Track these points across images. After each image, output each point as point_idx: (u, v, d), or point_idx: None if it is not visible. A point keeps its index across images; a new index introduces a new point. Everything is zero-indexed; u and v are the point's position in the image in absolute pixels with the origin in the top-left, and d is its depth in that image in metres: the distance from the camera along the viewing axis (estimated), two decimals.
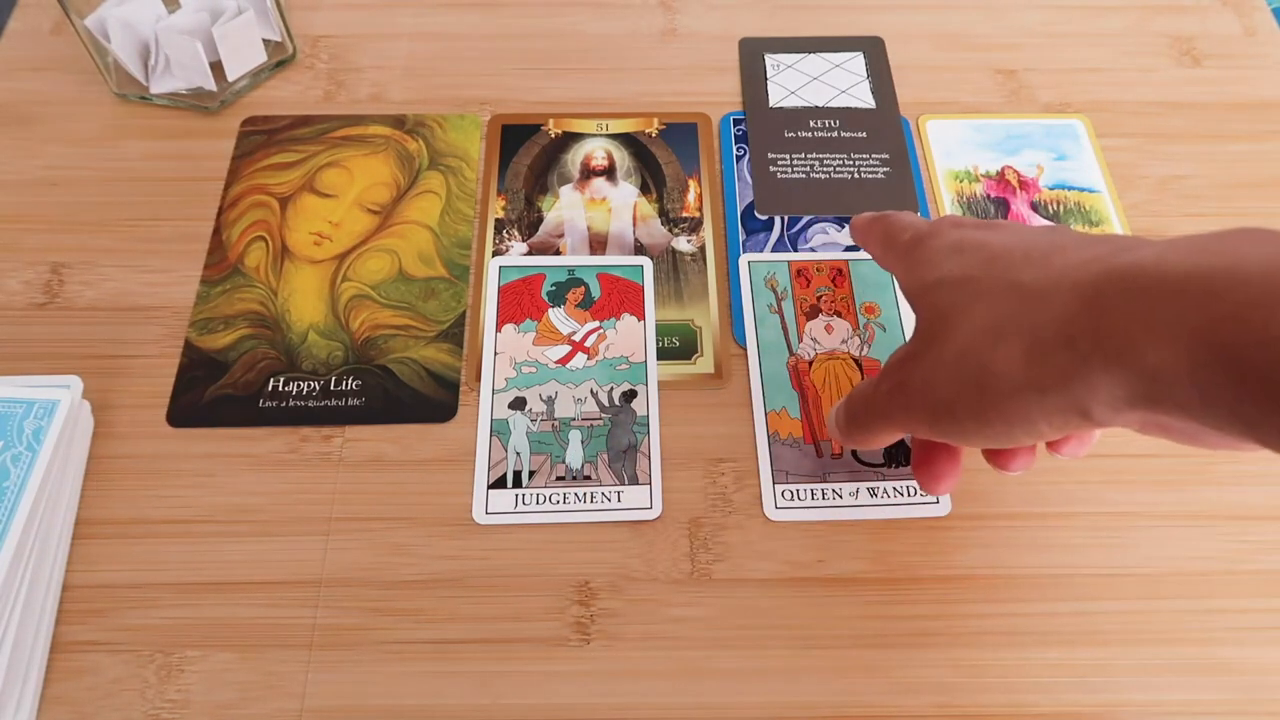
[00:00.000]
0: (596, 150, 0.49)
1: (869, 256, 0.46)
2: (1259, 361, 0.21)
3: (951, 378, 0.27)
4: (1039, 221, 0.47)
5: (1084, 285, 0.25)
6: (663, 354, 0.42)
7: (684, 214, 0.47)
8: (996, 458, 0.32)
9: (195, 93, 0.50)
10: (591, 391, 0.41)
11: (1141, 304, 0.23)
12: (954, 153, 0.50)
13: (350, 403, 0.41)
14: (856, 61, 0.53)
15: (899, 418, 0.30)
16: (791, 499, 0.39)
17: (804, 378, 0.42)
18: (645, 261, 0.45)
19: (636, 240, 0.46)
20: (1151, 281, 0.23)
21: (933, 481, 0.33)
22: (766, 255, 0.45)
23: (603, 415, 0.41)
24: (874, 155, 0.49)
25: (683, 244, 0.46)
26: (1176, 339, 0.22)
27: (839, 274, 0.45)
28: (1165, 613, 0.37)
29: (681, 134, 0.50)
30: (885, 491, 0.39)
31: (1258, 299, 0.21)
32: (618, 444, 0.40)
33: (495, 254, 0.45)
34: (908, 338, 0.43)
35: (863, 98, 0.52)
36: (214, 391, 0.41)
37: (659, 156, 0.49)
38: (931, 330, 0.29)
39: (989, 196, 0.48)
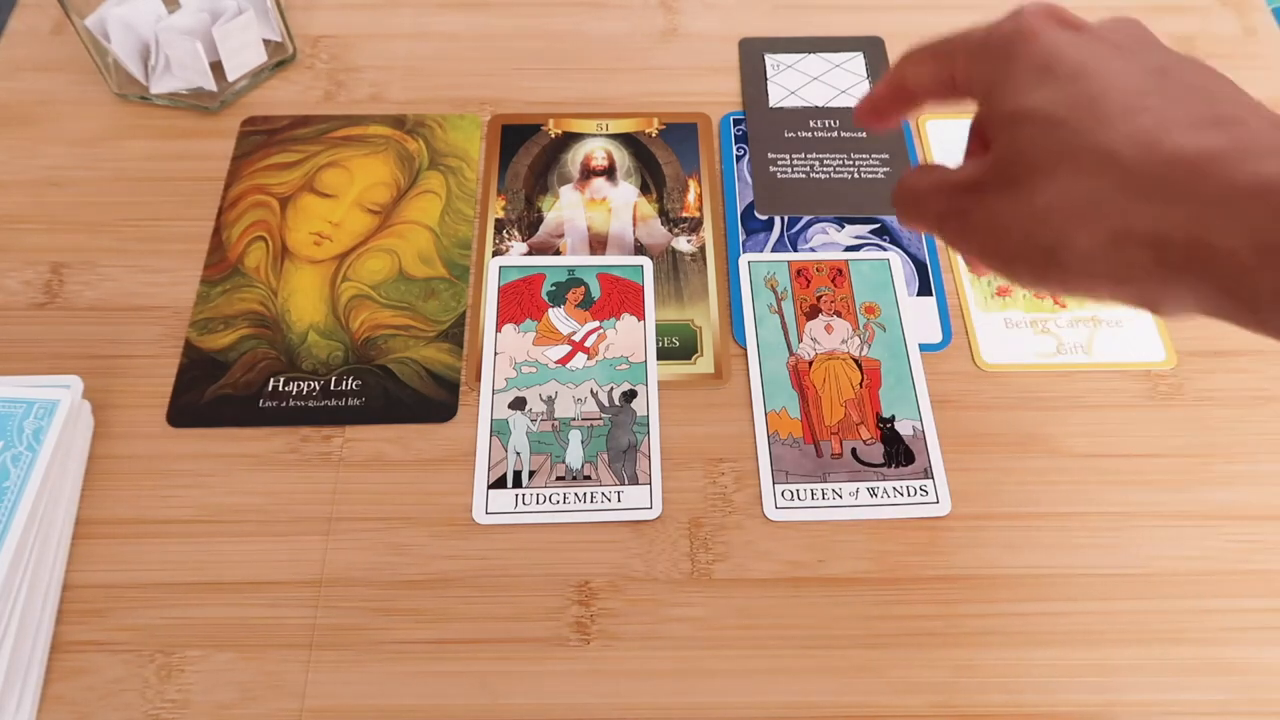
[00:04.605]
0: (596, 150, 0.49)
1: (868, 257, 0.46)
2: None
3: (1021, 238, 0.25)
4: None
5: (1196, 192, 0.21)
6: (663, 354, 0.42)
7: (684, 214, 0.47)
8: None
9: (195, 93, 0.50)
10: (591, 391, 0.41)
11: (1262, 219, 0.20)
12: (954, 153, 0.49)
13: (350, 403, 0.41)
14: (856, 61, 0.53)
15: (949, 239, 0.29)
16: (791, 499, 0.39)
17: (804, 378, 0.42)
18: (645, 261, 0.45)
19: (636, 240, 0.46)
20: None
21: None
22: (766, 255, 0.45)
23: (603, 415, 0.41)
24: (874, 155, 0.49)
25: (683, 244, 0.46)
26: None
27: (839, 274, 0.45)
28: (1165, 613, 0.37)
29: (681, 134, 0.50)
30: (885, 491, 0.39)
31: None
32: (618, 444, 0.40)
33: (495, 254, 0.45)
34: (907, 338, 0.43)
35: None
36: (214, 391, 0.41)
37: (659, 156, 0.49)
38: (1007, 171, 0.26)
39: None
